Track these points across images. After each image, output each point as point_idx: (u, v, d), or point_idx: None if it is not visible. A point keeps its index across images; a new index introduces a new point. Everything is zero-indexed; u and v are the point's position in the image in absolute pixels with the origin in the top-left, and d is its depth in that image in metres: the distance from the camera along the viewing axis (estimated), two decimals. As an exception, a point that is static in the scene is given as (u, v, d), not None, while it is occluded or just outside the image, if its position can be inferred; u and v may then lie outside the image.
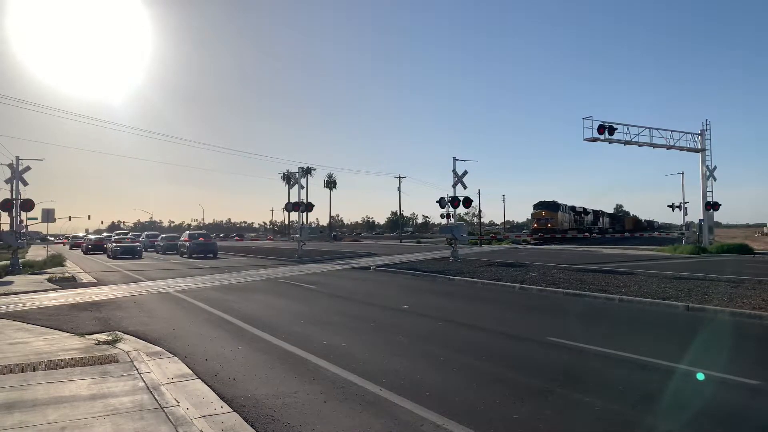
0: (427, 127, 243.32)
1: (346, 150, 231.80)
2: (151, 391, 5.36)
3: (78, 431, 4.33)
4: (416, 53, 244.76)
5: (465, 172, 26.46)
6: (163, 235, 46.97)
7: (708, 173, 28.83)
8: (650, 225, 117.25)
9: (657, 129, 28.34)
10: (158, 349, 7.60)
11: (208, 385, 5.74)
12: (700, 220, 30.45)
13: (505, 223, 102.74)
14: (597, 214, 74.33)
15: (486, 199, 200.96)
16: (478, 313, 11.08)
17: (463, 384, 5.83)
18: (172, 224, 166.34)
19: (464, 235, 27.12)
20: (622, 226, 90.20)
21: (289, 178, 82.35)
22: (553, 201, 57.90)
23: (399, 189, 75.19)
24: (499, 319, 10.30)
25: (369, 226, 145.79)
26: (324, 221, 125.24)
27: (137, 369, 6.28)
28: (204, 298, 13.37)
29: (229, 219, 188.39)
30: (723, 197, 44.39)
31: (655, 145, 28.45)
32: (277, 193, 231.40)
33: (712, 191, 28.97)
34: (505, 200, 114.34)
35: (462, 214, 74.69)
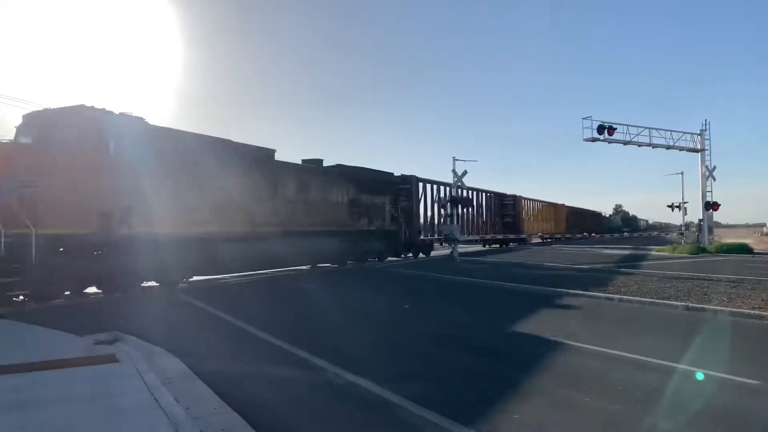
0: (428, 126, 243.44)
1: (347, 149, 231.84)
2: (151, 391, 5.35)
3: (77, 431, 4.33)
4: (416, 52, 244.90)
5: (464, 172, 26.50)
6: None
7: (707, 173, 28.83)
8: (630, 224, 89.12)
9: (657, 129, 28.36)
10: (158, 349, 7.57)
11: (208, 385, 5.73)
12: (700, 220, 30.44)
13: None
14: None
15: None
16: (477, 313, 11.08)
17: (464, 383, 5.84)
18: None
19: (465, 236, 27.17)
20: (509, 223, 39.78)
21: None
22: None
23: (399, 189, 75.11)
24: (498, 318, 10.31)
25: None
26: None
27: (137, 369, 6.27)
28: (204, 298, 13.36)
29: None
30: (723, 197, 44.33)
31: (654, 145, 28.44)
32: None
33: (711, 191, 28.96)
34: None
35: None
